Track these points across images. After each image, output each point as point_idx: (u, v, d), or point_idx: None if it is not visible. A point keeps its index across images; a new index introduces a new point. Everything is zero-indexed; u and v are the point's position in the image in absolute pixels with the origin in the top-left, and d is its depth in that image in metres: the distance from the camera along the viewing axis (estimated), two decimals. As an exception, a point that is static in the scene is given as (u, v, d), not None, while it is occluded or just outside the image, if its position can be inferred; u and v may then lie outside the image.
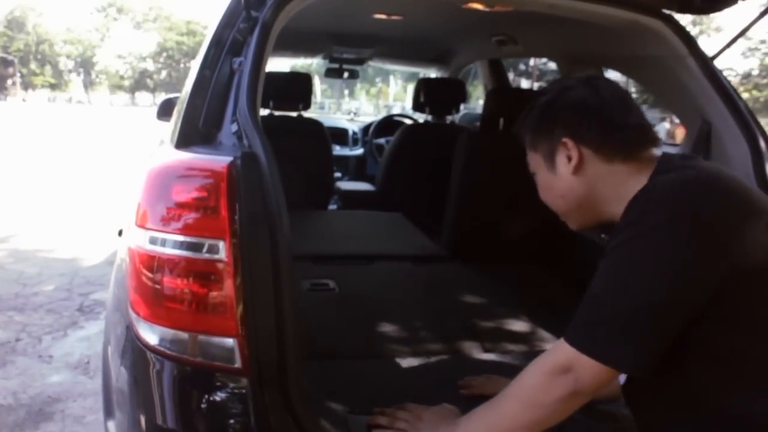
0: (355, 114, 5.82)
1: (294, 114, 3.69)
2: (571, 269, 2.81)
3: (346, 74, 4.79)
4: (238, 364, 1.31)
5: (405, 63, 5.14)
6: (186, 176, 1.38)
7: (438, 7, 2.95)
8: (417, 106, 3.89)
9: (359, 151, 5.08)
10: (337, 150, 5.02)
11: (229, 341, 1.31)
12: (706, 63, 2.11)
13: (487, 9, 2.25)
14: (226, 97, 1.61)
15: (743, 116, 2.02)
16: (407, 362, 1.91)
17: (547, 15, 2.43)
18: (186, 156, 1.44)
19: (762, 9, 2.03)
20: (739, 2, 2.12)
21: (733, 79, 27.43)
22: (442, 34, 3.84)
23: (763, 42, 26.03)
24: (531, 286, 2.73)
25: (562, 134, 1.29)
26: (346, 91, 44.01)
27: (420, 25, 3.51)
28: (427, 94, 3.73)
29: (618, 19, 2.11)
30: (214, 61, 1.69)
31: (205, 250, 1.31)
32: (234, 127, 1.52)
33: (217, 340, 1.33)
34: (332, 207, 4.15)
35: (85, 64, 59.33)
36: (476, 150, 2.83)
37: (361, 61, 4.69)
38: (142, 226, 1.38)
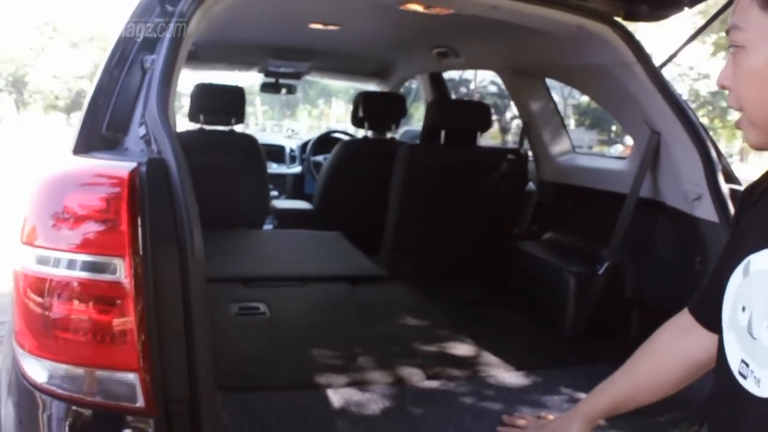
0: (294, 132, 5.59)
1: (226, 129, 3.49)
2: (516, 287, 2.70)
3: (283, 90, 4.61)
4: (140, 403, 1.12)
5: (344, 77, 4.98)
6: (82, 184, 1.19)
7: (376, 17, 2.82)
8: (356, 121, 3.75)
9: (297, 169, 4.88)
10: (274, 168, 4.82)
11: (130, 376, 1.12)
12: (654, 71, 2.03)
13: (425, 11, 2.12)
14: (135, 98, 1.43)
15: (694, 125, 1.94)
16: (343, 393, 1.74)
17: (489, 26, 2.34)
18: (83, 162, 1.25)
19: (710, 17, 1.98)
20: (686, 9, 2.07)
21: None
22: (381, 46, 3.72)
23: (691, 68, 26.96)
24: (474, 306, 2.60)
25: None
26: (288, 112, 43.58)
27: (358, 36, 3.37)
28: (366, 109, 3.58)
29: (562, 24, 2.01)
30: (123, 60, 1.51)
31: (102, 270, 1.13)
32: (142, 131, 1.34)
33: (118, 375, 1.14)
34: (268, 226, 3.95)
35: (17, 84, 57.40)
36: (416, 164, 2.70)
37: (298, 76, 4.50)
38: (29, 243, 1.18)
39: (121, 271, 1.11)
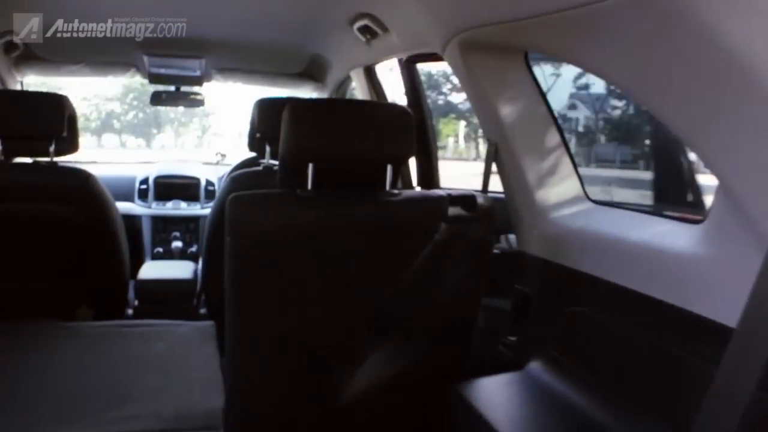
0: (222, 156, 4.15)
1: (44, 161, 2.14)
2: None
3: (187, 102, 3.31)
4: None
5: (267, 81, 3.56)
6: None
7: None
8: (253, 144, 2.41)
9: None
10: (183, 209, 3.46)
11: None
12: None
13: None
14: None
15: None
16: None
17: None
18: None
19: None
20: None
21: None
22: (286, 31, 2.41)
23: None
24: None
25: None
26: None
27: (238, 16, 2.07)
28: (263, 126, 2.25)
29: None
30: None
31: None
32: None
33: None
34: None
35: (48, 108, 59.06)
36: (252, 230, 1.32)
37: (199, 81, 3.15)
38: None
39: None
